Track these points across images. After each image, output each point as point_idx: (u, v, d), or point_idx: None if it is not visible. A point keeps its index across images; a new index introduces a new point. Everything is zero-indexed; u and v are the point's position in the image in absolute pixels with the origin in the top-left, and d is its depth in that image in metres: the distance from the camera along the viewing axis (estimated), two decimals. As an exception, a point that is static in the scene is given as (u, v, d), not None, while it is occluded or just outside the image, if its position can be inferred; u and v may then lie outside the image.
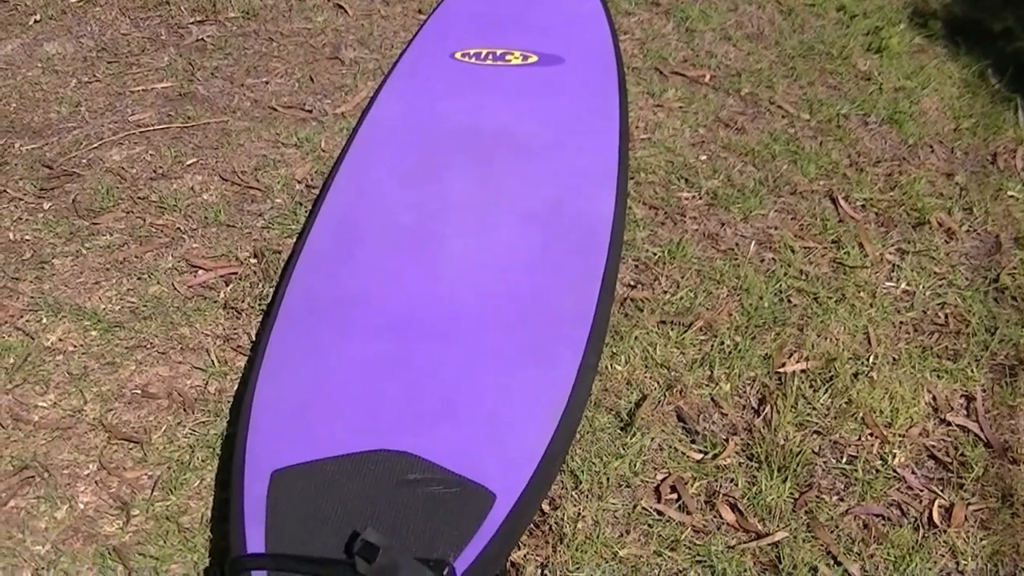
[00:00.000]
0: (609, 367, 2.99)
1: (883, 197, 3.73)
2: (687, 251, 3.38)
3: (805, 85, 4.45)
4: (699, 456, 2.77)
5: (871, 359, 3.07)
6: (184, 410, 2.83)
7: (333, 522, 2.24)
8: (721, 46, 4.71)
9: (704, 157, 3.90)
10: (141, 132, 3.93)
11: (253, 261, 3.31)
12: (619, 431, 2.81)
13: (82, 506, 2.58)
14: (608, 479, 2.67)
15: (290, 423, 2.49)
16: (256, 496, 2.31)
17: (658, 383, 2.95)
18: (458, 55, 3.96)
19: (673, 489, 2.68)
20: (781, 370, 3.01)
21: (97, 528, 2.53)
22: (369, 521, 2.23)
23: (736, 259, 3.39)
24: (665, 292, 3.25)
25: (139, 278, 3.23)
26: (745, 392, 2.96)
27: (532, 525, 2.56)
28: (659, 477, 2.70)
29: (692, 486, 2.68)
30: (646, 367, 3.00)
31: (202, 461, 2.69)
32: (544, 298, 2.86)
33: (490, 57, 3.93)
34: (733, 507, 2.64)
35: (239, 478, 2.37)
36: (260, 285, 3.21)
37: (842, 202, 3.68)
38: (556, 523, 2.57)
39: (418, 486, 2.32)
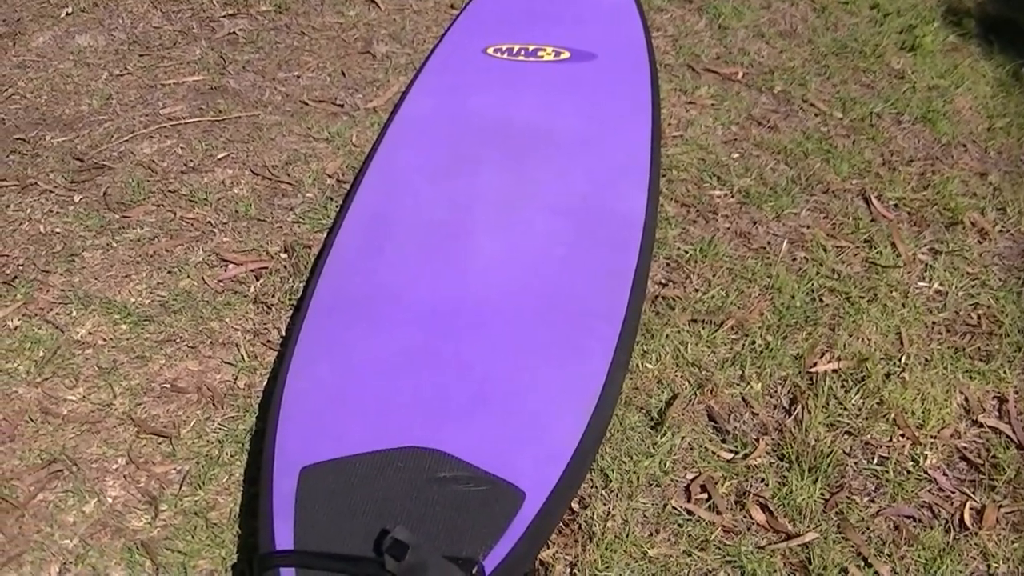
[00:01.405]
0: (640, 365, 2.98)
1: (916, 196, 3.71)
2: (719, 249, 3.37)
3: (838, 83, 4.43)
4: (729, 456, 2.75)
5: (903, 359, 3.05)
6: (213, 405, 2.83)
7: (362, 519, 2.24)
8: (754, 43, 4.69)
9: (736, 155, 3.88)
10: (172, 125, 3.93)
11: (283, 256, 3.31)
12: (649, 430, 2.80)
13: (110, 500, 2.58)
14: (638, 478, 2.66)
15: (320, 419, 2.49)
16: (285, 492, 2.31)
17: (689, 382, 2.94)
18: (490, 51, 3.96)
19: (703, 489, 2.66)
20: (812, 370, 3.00)
21: (125, 523, 2.53)
22: (398, 519, 2.23)
23: (768, 258, 3.37)
24: (696, 290, 3.24)
25: (169, 272, 3.23)
26: (776, 392, 2.94)
27: (561, 524, 2.56)
28: (689, 476, 2.69)
29: (722, 486, 2.67)
30: (677, 366, 2.99)
31: (231, 456, 2.69)
32: (575, 295, 2.85)
33: (522, 53, 3.92)
34: (763, 507, 2.63)
35: (268, 474, 2.36)
36: (290, 280, 3.21)
37: (875, 201, 3.66)
38: (586, 522, 2.56)
39: (448, 484, 2.31)
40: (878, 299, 3.25)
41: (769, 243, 3.44)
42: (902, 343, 3.11)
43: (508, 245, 3.01)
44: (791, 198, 3.63)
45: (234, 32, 4.59)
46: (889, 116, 4.21)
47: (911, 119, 4.20)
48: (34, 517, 2.52)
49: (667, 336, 3.06)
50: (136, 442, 2.72)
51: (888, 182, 3.77)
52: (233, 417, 2.79)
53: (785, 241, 3.44)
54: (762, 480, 2.70)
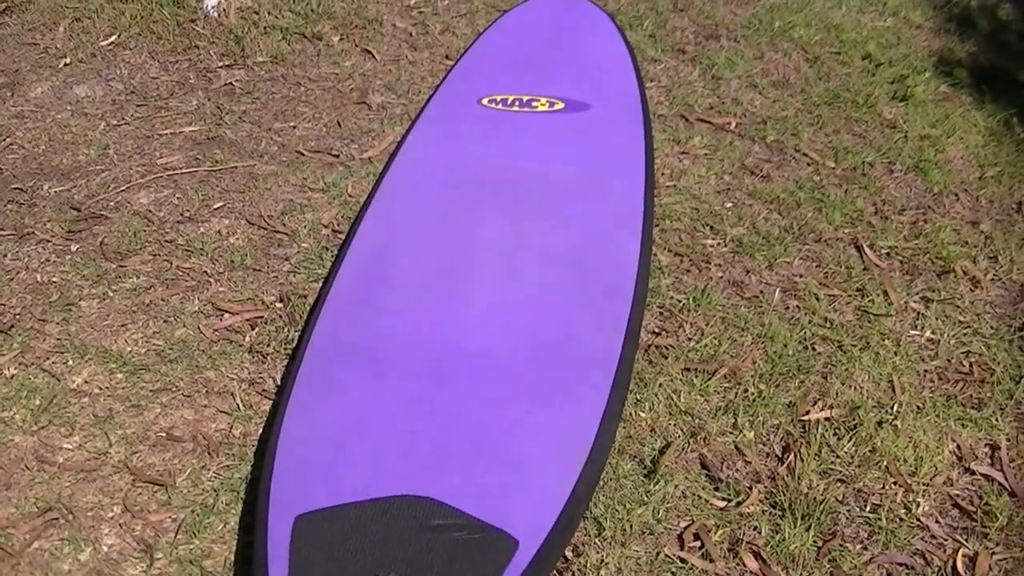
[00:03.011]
0: (633, 414, 2.99)
1: (908, 245, 3.73)
2: (712, 298, 3.39)
3: (831, 133, 4.46)
4: (722, 504, 2.76)
5: (895, 407, 3.06)
6: (209, 453, 2.84)
7: (356, 568, 2.25)
8: (747, 93, 4.72)
9: (729, 204, 3.90)
10: (169, 175, 3.95)
11: (279, 305, 3.33)
12: (643, 478, 2.81)
13: (106, 548, 2.59)
14: (631, 526, 2.67)
15: (315, 467, 2.50)
16: (280, 540, 2.32)
17: (682, 430, 2.95)
18: (485, 101, 3.99)
19: (696, 537, 2.67)
20: (805, 418, 3.01)
21: (121, 571, 2.53)
22: (392, 567, 2.24)
23: (761, 306, 3.39)
24: (689, 339, 3.26)
25: (165, 321, 3.25)
26: (769, 440, 2.95)
27: (555, 572, 2.56)
28: (682, 524, 2.70)
29: (715, 534, 2.68)
30: (670, 414, 3.00)
31: (226, 505, 2.70)
32: (570, 343, 2.87)
33: (517, 103, 3.95)
34: (756, 555, 2.63)
35: (263, 522, 2.38)
36: (286, 329, 3.23)
37: (867, 250, 3.68)
38: (579, 570, 2.57)
39: (441, 531, 2.32)
40: (870, 347, 3.27)
41: (762, 292, 3.46)
42: (894, 391, 3.13)
43: (503, 294, 3.03)
44: (784, 247, 3.65)
45: (231, 83, 4.62)
46: (881, 165, 4.24)
47: (903, 168, 4.22)
48: (29, 565, 2.53)
49: (660, 384, 3.07)
50: (132, 490, 2.73)
51: (880, 231, 3.79)
52: (228, 466, 2.80)
53: (778, 290, 3.46)
54: (755, 528, 2.70)
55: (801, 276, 3.55)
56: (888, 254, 3.70)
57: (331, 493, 2.41)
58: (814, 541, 2.67)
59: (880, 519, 2.74)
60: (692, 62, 4.97)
